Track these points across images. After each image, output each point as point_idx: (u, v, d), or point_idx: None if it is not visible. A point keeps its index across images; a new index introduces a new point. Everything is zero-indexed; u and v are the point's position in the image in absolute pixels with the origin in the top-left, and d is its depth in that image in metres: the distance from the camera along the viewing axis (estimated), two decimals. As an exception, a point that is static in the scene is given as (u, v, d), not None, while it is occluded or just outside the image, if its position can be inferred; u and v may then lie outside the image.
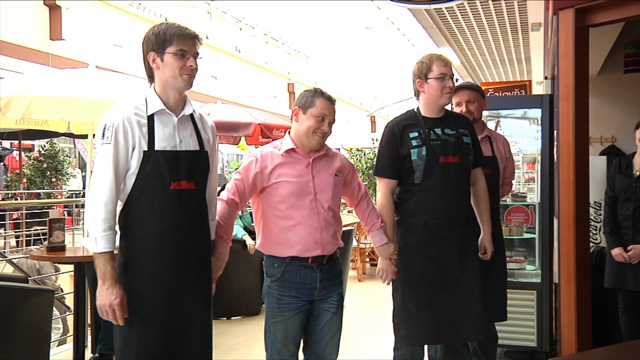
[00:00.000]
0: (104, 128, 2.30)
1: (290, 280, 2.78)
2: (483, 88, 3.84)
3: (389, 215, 3.06)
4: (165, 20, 14.83)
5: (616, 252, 3.90)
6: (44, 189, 12.86)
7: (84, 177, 15.02)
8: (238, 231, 5.78)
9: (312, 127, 2.77)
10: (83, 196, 8.98)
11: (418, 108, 3.11)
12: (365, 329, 5.54)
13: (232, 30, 19.84)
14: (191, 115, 2.47)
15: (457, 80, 3.14)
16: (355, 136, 12.84)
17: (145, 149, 2.31)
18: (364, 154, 9.76)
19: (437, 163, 2.97)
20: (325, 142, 2.89)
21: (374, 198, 3.07)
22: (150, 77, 2.43)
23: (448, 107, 3.19)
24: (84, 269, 4.34)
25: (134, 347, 2.33)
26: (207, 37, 17.46)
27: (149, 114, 2.36)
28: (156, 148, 2.33)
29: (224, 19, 19.55)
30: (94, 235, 2.26)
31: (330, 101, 2.83)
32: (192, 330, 2.43)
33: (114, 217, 2.29)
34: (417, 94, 3.12)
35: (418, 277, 2.98)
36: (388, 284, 3.12)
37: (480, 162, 3.19)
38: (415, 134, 3.01)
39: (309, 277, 2.80)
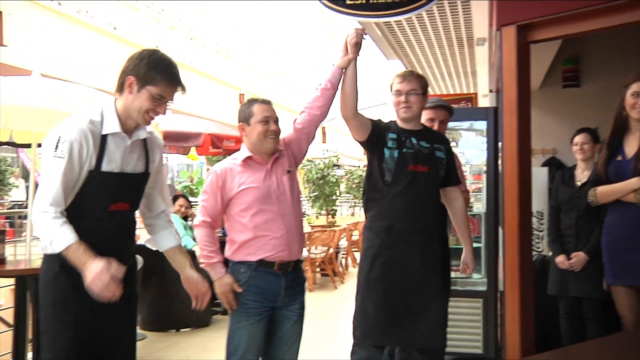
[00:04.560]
0: (58, 140, 2.21)
1: (255, 285, 2.83)
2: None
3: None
4: (115, 29, 14.45)
5: (560, 259, 4.02)
6: (-17, 200, 12.39)
7: (27, 188, 14.52)
8: (187, 242, 5.70)
9: (261, 132, 2.85)
10: (26, 207, 8.69)
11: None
12: (317, 339, 5.54)
13: (182, 40, 19.64)
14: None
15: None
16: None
17: (92, 168, 2.26)
18: (314, 165, 9.77)
19: (405, 170, 3.05)
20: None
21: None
22: (119, 90, 2.35)
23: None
24: (26, 283, 4.20)
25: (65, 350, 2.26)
26: (156, 47, 17.22)
27: (103, 133, 2.30)
28: (103, 169, 2.28)
29: (174, 28, 19.34)
30: (50, 238, 2.16)
31: (266, 103, 2.94)
32: (116, 342, 2.40)
33: (63, 212, 2.20)
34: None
35: (379, 279, 3.03)
36: None
37: (456, 180, 3.28)
38: (394, 136, 3.10)
39: (274, 283, 2.84)
